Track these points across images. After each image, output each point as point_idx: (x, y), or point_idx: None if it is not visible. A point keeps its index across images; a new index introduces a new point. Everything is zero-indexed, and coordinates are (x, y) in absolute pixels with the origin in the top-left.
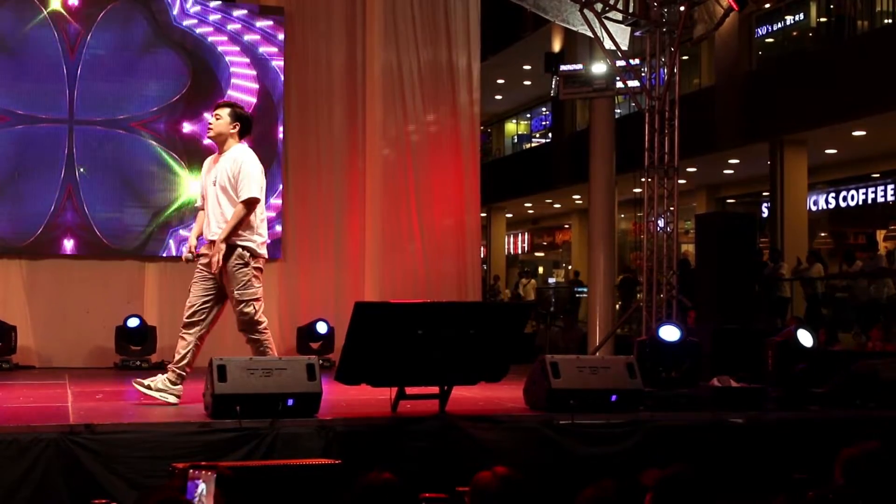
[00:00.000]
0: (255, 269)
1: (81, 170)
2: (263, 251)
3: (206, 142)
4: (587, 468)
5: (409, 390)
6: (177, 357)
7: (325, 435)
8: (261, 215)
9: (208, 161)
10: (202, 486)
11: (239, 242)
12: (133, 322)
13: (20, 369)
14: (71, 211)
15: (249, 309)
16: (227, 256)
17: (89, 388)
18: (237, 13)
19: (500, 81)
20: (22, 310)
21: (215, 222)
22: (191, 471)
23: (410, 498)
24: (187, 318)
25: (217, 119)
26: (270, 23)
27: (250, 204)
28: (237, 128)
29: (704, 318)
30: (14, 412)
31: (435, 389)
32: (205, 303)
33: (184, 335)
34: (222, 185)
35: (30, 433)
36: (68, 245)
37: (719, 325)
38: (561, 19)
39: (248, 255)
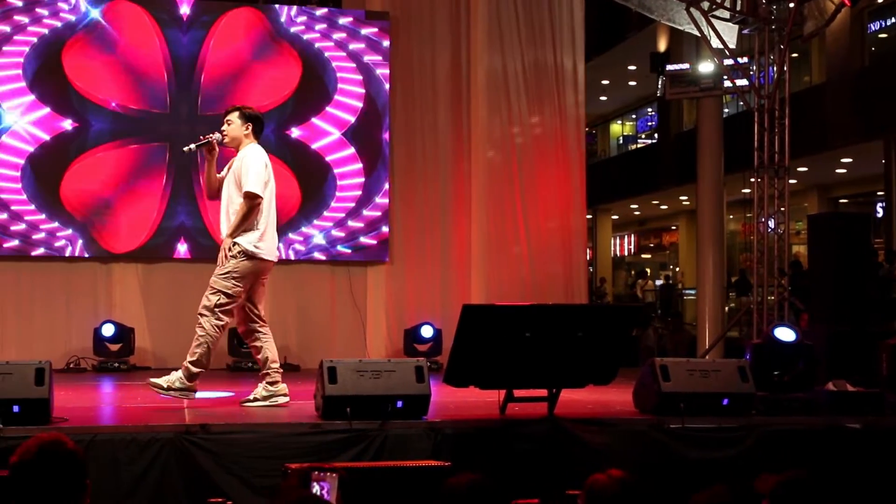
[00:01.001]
0: (246, 267)
1: (193, 175)
2: (262, 252)
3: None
4: (698, 473)
5: (518, 393)
6: (262, 362)
7: (433, 437)
8: (265, 217)
9: (230, 164)
10: (326, 487)
11: (241, 243)
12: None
13: (137, 370)
14: (185, 215)
15: (214, 297)
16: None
17: (204, 388)
18: (343, 20)
19: (605, 82)
20: (138, 312)
21: (226, 219)
22: (314, 472)
23: (502, 500)
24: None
25: (229, 125)
26: (375, 28)
27: (250, 198)
28: (250, 128)
29: (818, 321)
30: (132, 412)
31: (543, 392)
32: (246, 308)
33: (252, 343)
34: (234, 183)
35: (148, 433)
36: (182, 249)
37: (833, 328)
38: (666, 18)
39: (236, 249)
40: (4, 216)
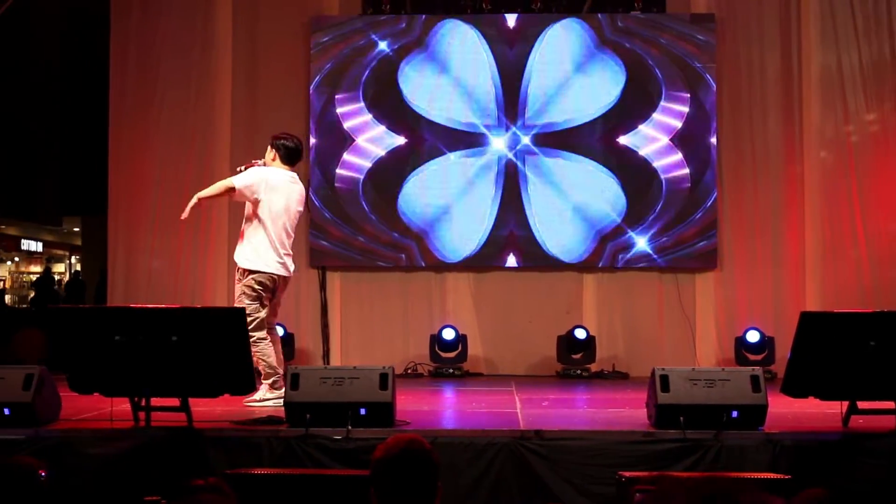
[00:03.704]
0: (248, 284)
1: (521, 185)
2: (256, 263)
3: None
4: None
5: (862, 405)
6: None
7: (771, 448)
8: (262, 234)
9: None
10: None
11: (236, 259)
12: (580, 334)
13: (470, 376)
14: (513, 225)
15: None
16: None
17: (535, 395)
18: (668, 23)
19: None
20: (471, 320)
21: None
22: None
23: None
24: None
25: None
26: (701, 31)
27: (225, 183)
28: (276, 156)
29: None
30: (469, 417)
31: (891, 404)
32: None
33: None
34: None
35: (484, 437)
36: (511, 257)
37: None
38: None
39: (241, 270)
40: (347, 229)
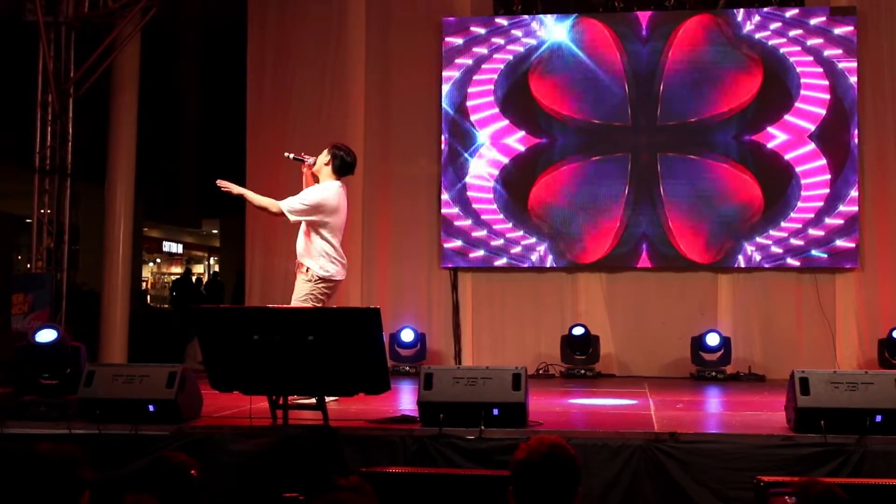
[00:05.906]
0: (319, 288)
1: (654, 184)
2: (332, 273)
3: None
4: None
5: None
6: None
7: None
8: (326, 246)
9: None
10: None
11: (306, 263)
12: (712, 339)
13: (602, 377)
14: (646, 225)
15: None
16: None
17: (668, 397)
18: (806, 18)
19: None
20: (603, 320)
21: (302, 238)
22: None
23: None
24: None
25: (322, 153)
26: (842, 25)
27: (281, 211)
28: (331, 163)
29: None
30: (601, 418)
31: None
32: None
33: None
34: None
35: (618, 439)
36: (644, 258)
37: None
38: None
39: (310, 274)
40: (479, 229)
